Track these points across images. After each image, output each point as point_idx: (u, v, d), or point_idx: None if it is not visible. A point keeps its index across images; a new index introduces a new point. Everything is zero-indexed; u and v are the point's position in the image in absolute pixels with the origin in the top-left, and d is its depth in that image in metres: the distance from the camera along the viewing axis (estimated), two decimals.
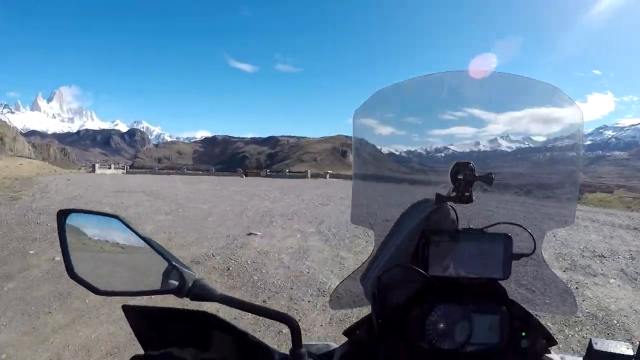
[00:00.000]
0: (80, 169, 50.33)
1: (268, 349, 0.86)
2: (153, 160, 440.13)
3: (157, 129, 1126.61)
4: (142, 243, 0.81)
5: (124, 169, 54.78)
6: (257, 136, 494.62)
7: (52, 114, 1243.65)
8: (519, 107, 1.31)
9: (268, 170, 57.35)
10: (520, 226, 1.00)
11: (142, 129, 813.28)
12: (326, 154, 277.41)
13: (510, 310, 0.96)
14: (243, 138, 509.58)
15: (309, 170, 53.53)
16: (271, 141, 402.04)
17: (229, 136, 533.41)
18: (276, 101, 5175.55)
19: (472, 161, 1.01)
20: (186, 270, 0.79)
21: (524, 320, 0.98)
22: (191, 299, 0.79)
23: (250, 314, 0.80)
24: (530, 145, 1.41)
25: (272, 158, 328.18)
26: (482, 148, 1.38)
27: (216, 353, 0.86)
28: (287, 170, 56.28)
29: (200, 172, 55.59)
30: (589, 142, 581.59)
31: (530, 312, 0.99)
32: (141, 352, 0.87)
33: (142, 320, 0.90)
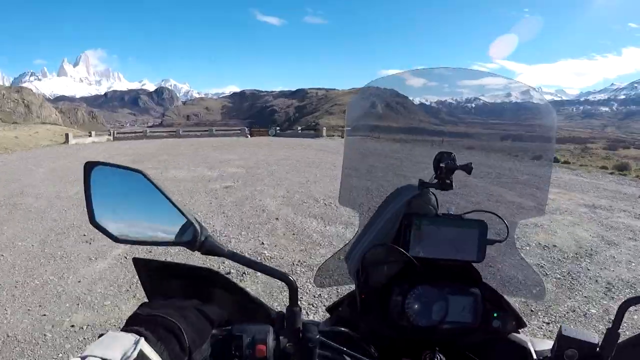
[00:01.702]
0: (110, 131, 44.55)
1: (265, 306, 0.94)
2: (181, 118, 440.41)
3: (186, 86, 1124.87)
4: (162, 198, 0.84)
5: (110, 135, 46.97)
6: (285, 89, 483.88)
7: (79, 78, 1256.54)
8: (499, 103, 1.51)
9: (278, 128, 48.36)
10: (496, 214, 1.07)
11: (170, 87, 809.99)
12: None
13: (484, 292, 1.02)
14: (272, 92, 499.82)
15: (324, 128, 44.21)
16: (300, 94, 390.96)
17: (258, 90, 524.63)
18: (305, 54, 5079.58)
19: (453, 151, 1.07)
20: (201, 226, 0.83)
21: (496, 302, 1.04)
22: (202, 253, 0.84)
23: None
24: (508, 142, 1.58)
25: (301, 111, 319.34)
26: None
27: (217, 307, 0.90)
28: (299, 128, 47.28)
29: (198, 134, 47.18)
30: (622, 97, 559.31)
31: (502, 294, 1.05)
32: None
33: (149, 272, 0.95)
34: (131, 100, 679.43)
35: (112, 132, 48.23)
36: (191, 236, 0.83)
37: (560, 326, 0.88)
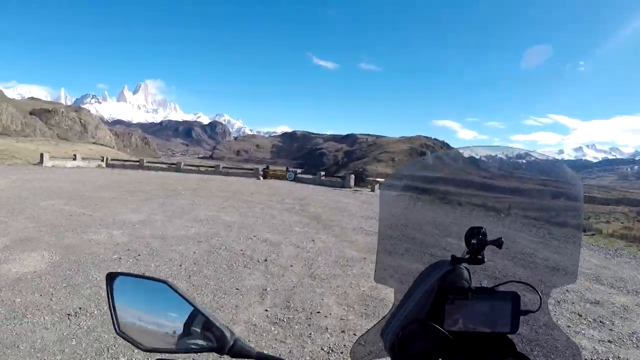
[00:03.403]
0: (102, 157, 40.41)
1: None
2: (232, 152, 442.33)
3: (239, 123, 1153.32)
4: (188, 306, 0.87)
5: (102, 161, 39.59)
6: (336, 133, 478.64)
7: (137, 105, 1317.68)
8: (526, 178, 1.53)
9: (299, 171, 39.41)
10: (529, 285, 1.07)
11: (223, 122, 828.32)
12: (404, 154, 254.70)
13: None
14: (322, 134, 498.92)
15: (352, 177, 34.39)
16: (350, 139, 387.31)
17: (309, 132, 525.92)
18: (357, 99, 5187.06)
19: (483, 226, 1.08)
20: (227, 330, 0.86)
21: None
22: (231, 357, 0.86)
23: None
24: (534, 212, 1.57)
25: (350, 156, 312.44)
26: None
27: None
28: (323, 174, 37.71)
29: (202, 170, 38.96)
30: None
31: None
32: None
33: None
34: (185, 131, 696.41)
35: (104, 158, 40.65)
36: (220, 341, 0.84)
37: None
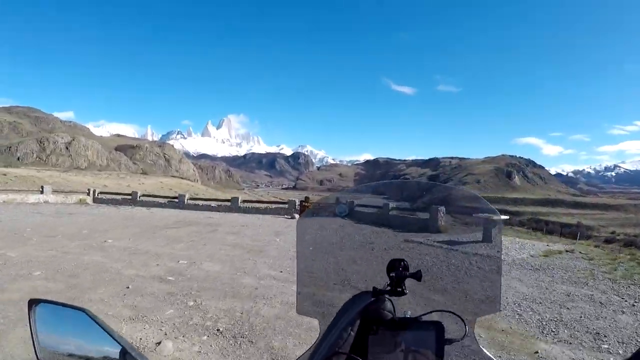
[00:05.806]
0: (89, 190, 30.78)
1: None
2: (315, 182, 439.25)
3: (321, 153, 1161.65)
4: (106, 336, 0.85)
5: (89, 194, 28.87)
6: (418, 158, 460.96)
7: (221, 140, 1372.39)
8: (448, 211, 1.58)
9: (354, 203, 25.67)
10: (453, 313, 1.08)
11: (306, 152, 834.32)
12: (489, 176, 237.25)
13: None
14: (405, 160, 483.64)
15: (442, 211, 20.27)
16: (433, 163, 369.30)
17: (391, 158, 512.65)
18: (438, 122, 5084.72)
19: (404, 259, 1.12)
20: (143, 358, 0.86)
21: None
22: None
23: None
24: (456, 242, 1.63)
25: (434, 180, 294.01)
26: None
27: None
28: (392, 206, 23.88)
29: (215, 206, 26.73)
30: None
31: None
32: None
33: None
34: (268, 162, 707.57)
35: (90, 191, 29.65)
36: None
37: None
